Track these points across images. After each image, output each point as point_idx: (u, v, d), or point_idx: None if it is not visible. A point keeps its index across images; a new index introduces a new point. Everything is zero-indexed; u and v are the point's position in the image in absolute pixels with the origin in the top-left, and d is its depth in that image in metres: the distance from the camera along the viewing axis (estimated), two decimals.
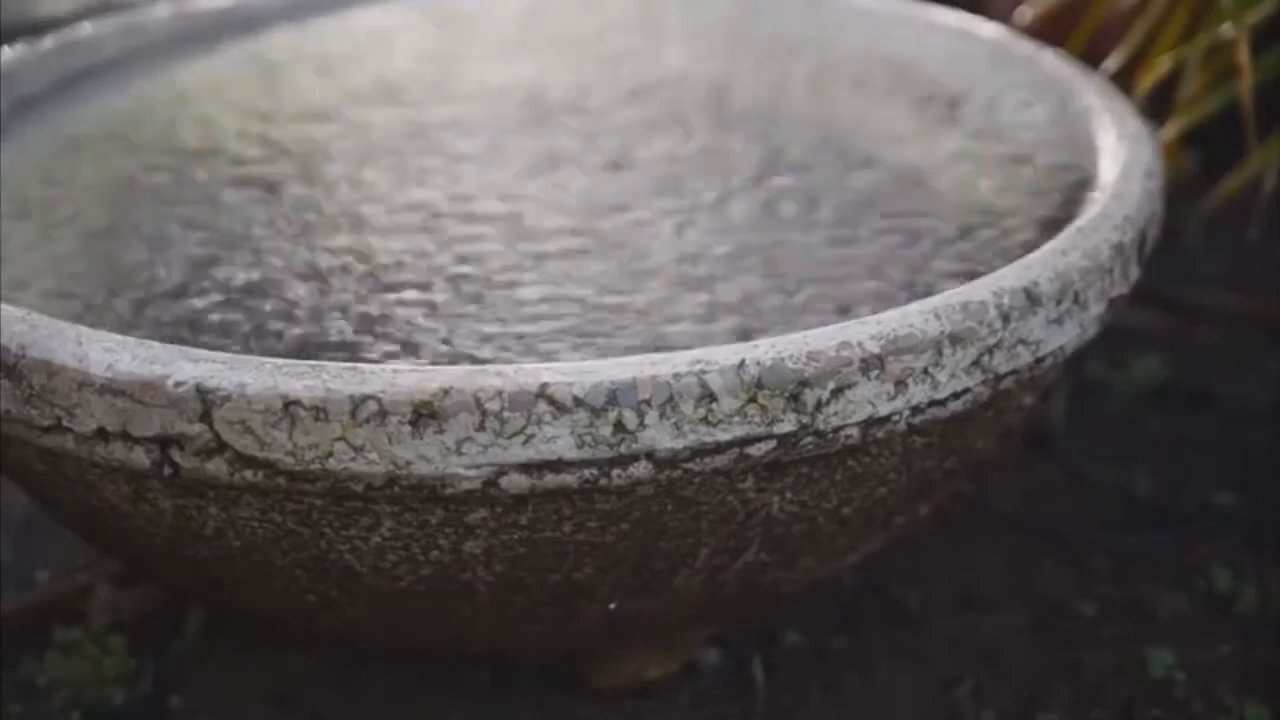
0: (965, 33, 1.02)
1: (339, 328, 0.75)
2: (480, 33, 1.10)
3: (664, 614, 0.75)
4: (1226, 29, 0.97)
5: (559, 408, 0.61)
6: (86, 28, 1.01)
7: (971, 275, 0.75)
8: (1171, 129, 1.00)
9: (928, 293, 0.74)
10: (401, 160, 0.92)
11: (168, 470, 0.64)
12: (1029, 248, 0.75)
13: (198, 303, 0.77)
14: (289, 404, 0.61)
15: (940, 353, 0.66)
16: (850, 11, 1.08)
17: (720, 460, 0.64)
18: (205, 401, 0.62)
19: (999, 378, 0.68)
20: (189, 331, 0.74)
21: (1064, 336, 0.71)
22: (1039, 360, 0.70)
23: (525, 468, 0.62)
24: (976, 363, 0.67)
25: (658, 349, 0.70)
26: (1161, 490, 1.01)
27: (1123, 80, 1.00)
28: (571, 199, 0.87)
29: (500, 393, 0.61)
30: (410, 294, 0.77)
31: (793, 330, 0.66)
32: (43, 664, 0.86)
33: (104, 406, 0.63)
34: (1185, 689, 0.85)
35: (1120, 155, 0.82)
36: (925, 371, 0.66)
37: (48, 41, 0.99)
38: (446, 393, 0.61)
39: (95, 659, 0.86)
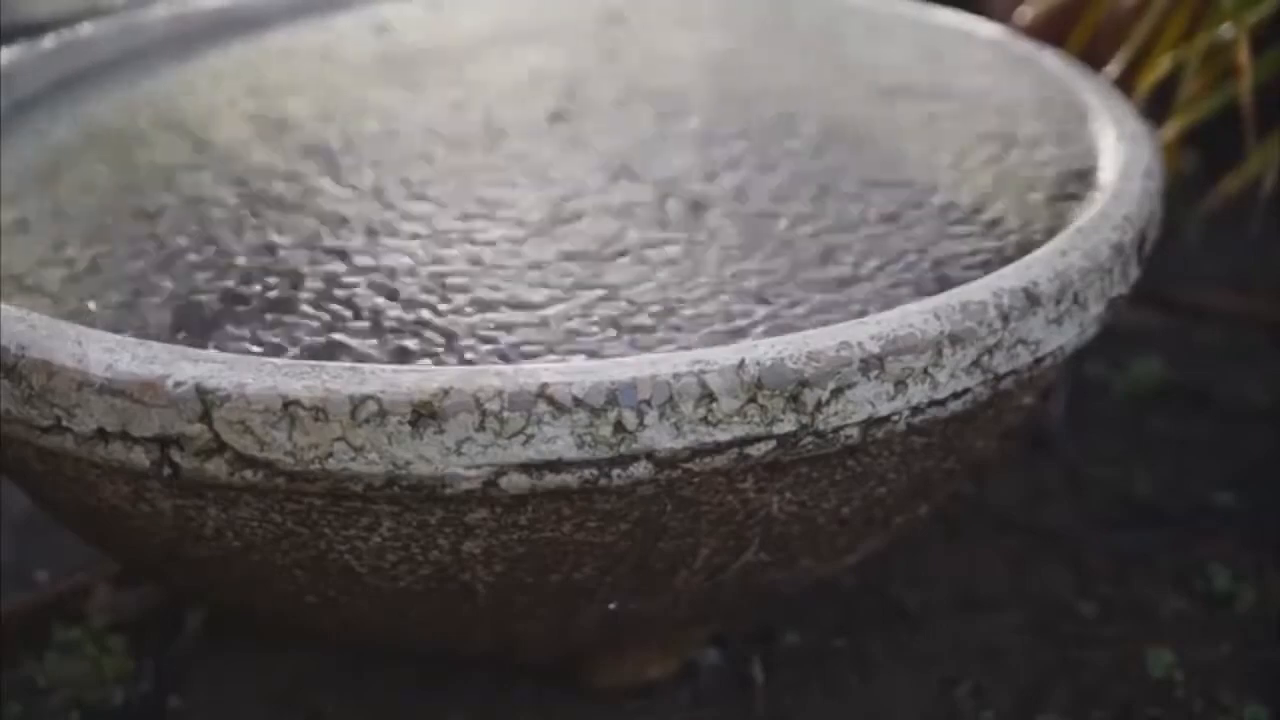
0: (964, 32, 1.02)
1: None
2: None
3: (664, 614, 0.75)
4: (1226, 29, 0.97)
5: (559, 408, 0.61)
6: (86, 28, 1.01)
7: (970, 276, 0.75)
8: (1171, 129, 1.00)
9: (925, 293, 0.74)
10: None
11: (167, 470, 0.64)
12: (1028, 247, 0.75)
13: (199, 306, 0.77)
14: (288, 404, 0.61)
15: (940, 353, 0.66)
16: (851, 10, 1.08)
17: (720, 460, 0.64)
18: (205, 402, 0.62)
19: (999, 378, 0.68)
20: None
21: (1064, 336, 0.71)
22: (1039, 360, 0.70)
23: (525, 468, 0.62)
24: (976, 363, 0.67)
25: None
26: (1161, 490, 1.01)
27: (1123, 80, 1.00)
28: None
29: (500, 393, 0.61)
30: None
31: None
32: (43, 664, 0.86)
33: (104, 407, 0.63)
34: (1185, 689, 0.85)
35: (1120, 155, 0.82)
36: (925, 372, 0.66)
37: (48, 41, 0.99)
38: (446, 393, 0.61)
39: (95, 659, 0.86)
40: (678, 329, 0.72)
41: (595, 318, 0.73)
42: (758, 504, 0.68)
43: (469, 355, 0.71)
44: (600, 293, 0.75)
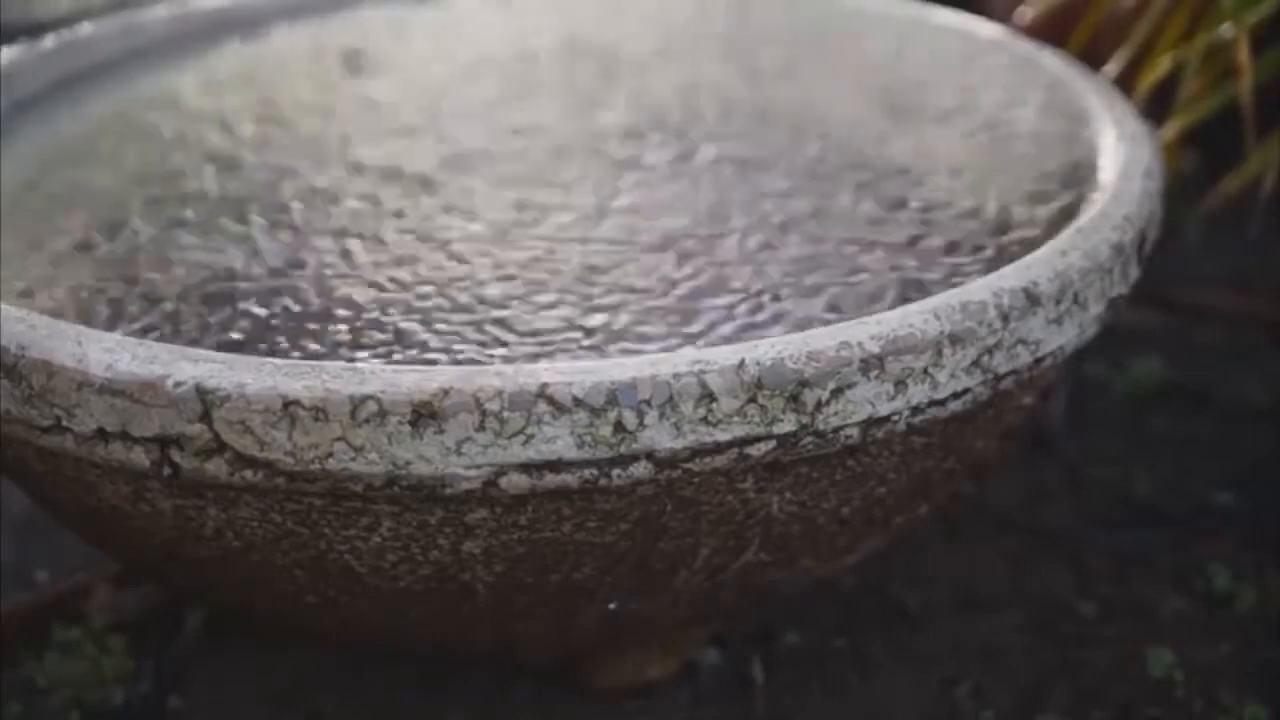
0: (964, 32, 1.02)
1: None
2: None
3: (664, 614, 0.75)
4: (1226, 29, 0.97)
5: (559, 408, 0.61)
6: (86, 28, 1.01)
7: (969, 276, 0.75)
8: (1171, 129, 1.00)
9: (925, 293, 0.74)
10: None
11: (167, 470, 0.64)
12: (1028, 248, 0.75)
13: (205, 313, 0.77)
14: (288, 404, 0.61)
15: (940, 353, 0.66)
16: (850, 11, 1.08)
17: (720, 460, 0.64)
18: (205, 402, 0.62)
19: (999, 378, 0.68)
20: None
21: (1064, 336, 0.71)
22: (1039, 360, 0.70)
23: (525, 468, 0.62)
24: (976, 363, 0.67)
25: None
26: (1161, 490, 1.01)
27: (1123, 80, 1.00)
28: None
29: (500, 393, 0.61)
30: None
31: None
32: (43, 664, 0.86)
33: (104, 407, 0.63)
34: (1185, 689, 0.85)
35: (1120, 155, 0.82)
36: (925, 372, 0.66)
37: (48, 41, 0.99)
38: (446, 393, 0.61)
39: (95, 659, 0.86)
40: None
41: None
42: (758, 504, 0.68)
43: None
44: None
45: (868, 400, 0.65)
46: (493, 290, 0.77)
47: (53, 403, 0.64)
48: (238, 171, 0.90)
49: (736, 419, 0.63)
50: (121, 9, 1.07)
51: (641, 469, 0.63)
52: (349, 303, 0.76)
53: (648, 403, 0.62)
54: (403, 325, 0.74)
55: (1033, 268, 0.70)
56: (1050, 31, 1.08)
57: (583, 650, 0.83)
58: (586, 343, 0.72)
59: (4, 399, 0.66)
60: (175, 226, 0.84)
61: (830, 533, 0.72)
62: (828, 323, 0.71)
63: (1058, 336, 0.70)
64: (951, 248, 0.80)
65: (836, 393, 0.64)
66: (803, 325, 0.72)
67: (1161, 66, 1.01)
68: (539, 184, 0.88)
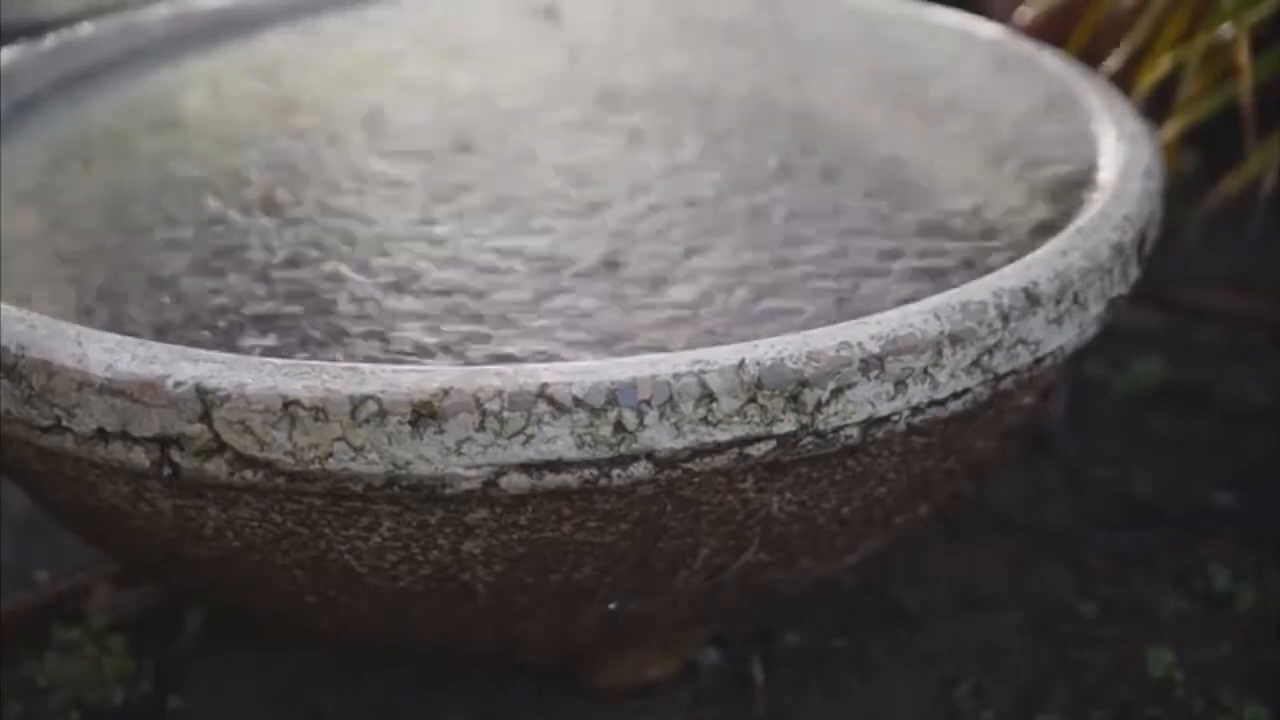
0: (964, 32, 1.02)
1: None
2: None
3: (664, 614, 0.75)
4: (1226, 29, 0.97)
5: (559, 408, 0.61)
6: (86, 28, 1.01)
7: (970, 275, 0.75)
8: (1171, 129, 1.00)
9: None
10: None
11: (167, 470, 0.64)
12: (1028, 248, 0.75)
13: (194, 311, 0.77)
14: (288, 404, 0.61)
15: (940, 353, 0.66)
16: (849, 11, 1.08)
17: (720, 460, 0.64)
18: (205, 402, 0.62)
19: (999, 378, 0.68)
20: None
21: (1064, 336, 0.71)
22: (1039, 360, 0.70)
23: (525, 468, 0.62)
24: (976, 363, 0.67)
25: None
26: (1161, 490, 1.01)
27: (1123, 80, 1.00)
28: None
29: (500, 393, 0.61)
30: None
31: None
32: (43, 664, 0.86)
33: (104, 407, 0.63)
34: (1185, 689, 0.85)
35: (1120, 155, 0.82)
36: (925, 371, 0.66)
37: (48, 41, 0.99)
38: (446, 393, 0.61)
39: (95, 659, 0.86)
40: None
41: None
42: (758, 504, 0.68)
43: None
44: None
45: (868, 400, 0.65)
46: None
47: (53, 403, 0.64)
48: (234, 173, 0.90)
49: (736, 419, 0.63)
50: (121, 9, 1.07)
51: (641, 469, 0.63)
52: None
53: (648, 403, 0.62)
54: None
55: (1033, 267, 0.70)
56: (1050, 31, 1.08)
57: (583, 650, 0.83)
58: None
59: (4, 399, 0.66)
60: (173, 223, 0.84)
61: (830, 533, 0.72)
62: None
63: (1058, 336, 0.70)
64: (951, 247, 0.80)
65: (836, 393, 0.64)
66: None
67: (1161, 66, 1.01)
68: None
